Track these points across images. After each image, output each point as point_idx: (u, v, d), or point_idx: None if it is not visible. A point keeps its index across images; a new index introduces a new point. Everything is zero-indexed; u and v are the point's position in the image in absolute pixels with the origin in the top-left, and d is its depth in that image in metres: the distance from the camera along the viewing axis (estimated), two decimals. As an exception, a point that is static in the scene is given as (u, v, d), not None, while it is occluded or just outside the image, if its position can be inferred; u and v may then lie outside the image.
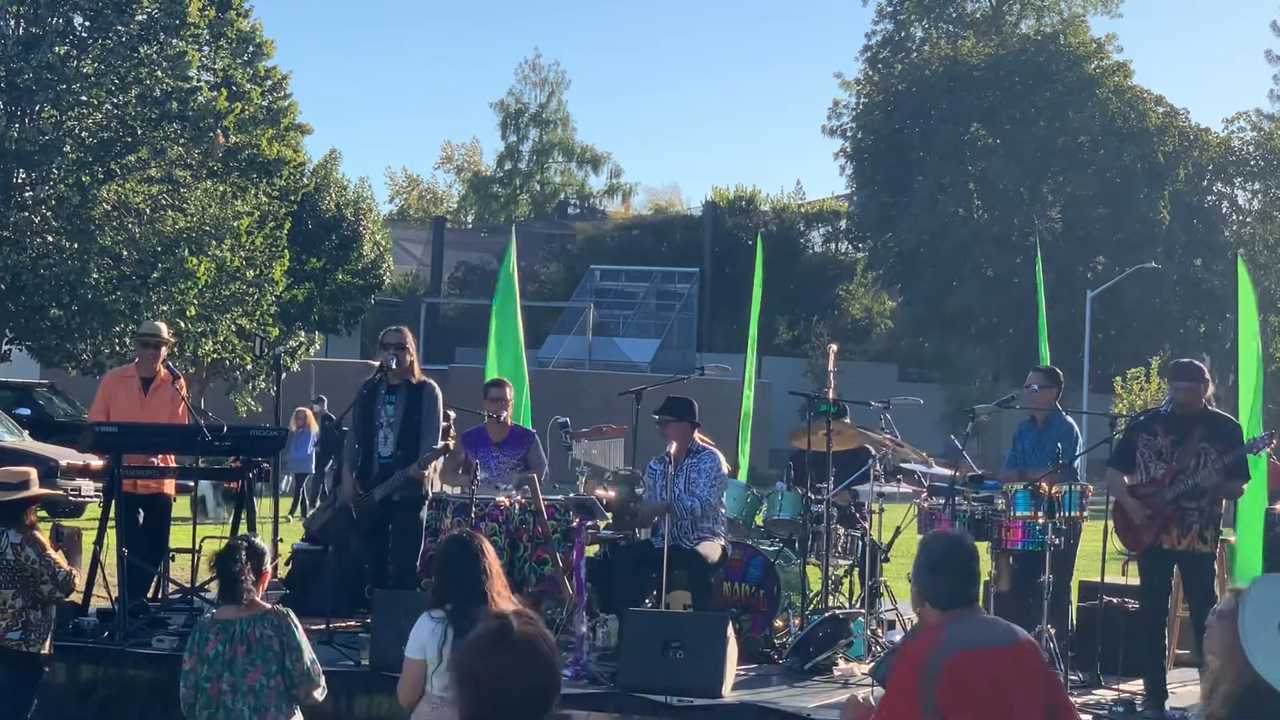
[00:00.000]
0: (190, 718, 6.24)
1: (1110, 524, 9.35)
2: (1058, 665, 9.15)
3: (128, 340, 23.43)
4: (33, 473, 7.75)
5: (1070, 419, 10.26)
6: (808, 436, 10.76)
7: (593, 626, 9.76)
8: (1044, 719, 4.91)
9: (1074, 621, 9.89)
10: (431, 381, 10.43)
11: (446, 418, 10.55)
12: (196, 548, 10.72)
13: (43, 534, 7.61)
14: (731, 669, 8.85)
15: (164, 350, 10.84)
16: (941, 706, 4.77)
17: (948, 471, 10.20)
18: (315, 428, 22.86)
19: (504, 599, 5.83)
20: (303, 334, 31.86)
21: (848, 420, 11.26)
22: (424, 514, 10.32)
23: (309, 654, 6.29)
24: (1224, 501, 9.28)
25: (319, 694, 6.32)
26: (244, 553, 6.31)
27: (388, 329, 10.72)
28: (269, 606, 6.35)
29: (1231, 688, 4.68)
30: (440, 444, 10.13)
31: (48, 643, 7.60)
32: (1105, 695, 9.23)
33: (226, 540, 6.72)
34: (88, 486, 18.49)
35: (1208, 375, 9.25)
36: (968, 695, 4.79)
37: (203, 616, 6.58)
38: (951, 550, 5.07)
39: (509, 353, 13.22)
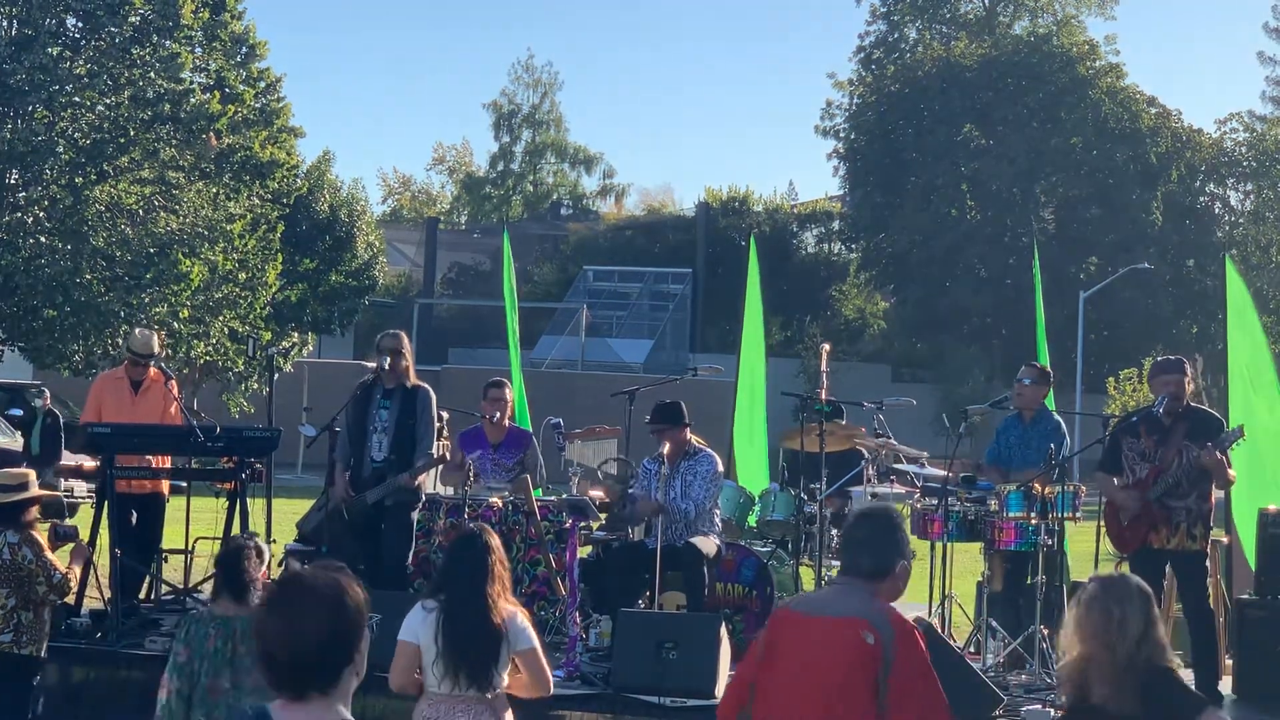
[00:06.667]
0: (172, 713, 6.07)
1: (1103, 525, 9.36)
2: (1050, 664, 9.17)
3: (120, 341, 23.43)
4: (32, 474, 7.77)
5: (1058, 418, 10.28)
6: (800, 437, 10.77)
7: (586, 627, 9.77)
8: (870, 696, 4.86)
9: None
10: (426, 386, 10.41)
11: (440, 418, 10.55)
12: (190, 548, 10.72)
13: (41, 535, 7.62)
14: (725, 670, 8.86)
15: (152, 366, 10.77)
16: (759, 657, 5.10)
17: (941, 472, 10.22)
18: None
19: (503, 600, 5.84)
20: (296, 335, 31.86)
21: (842, 421, 11.27)
22: (415, 515, 10.33)
23: None
24: (1213, 498, 9.28)
25: None
26: (254, 553, 6.24)
27: (384, 333, 10.71)
28: None
29: (1115, 669, 4.72)
30: (436, 455, 10.14)
31: (42, 646, 7.58)
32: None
33: (231, 540, 6.64)
34: (80, 487, 18.45)
35: (1187, 368, 9.26)
36: (772, 651, 5.06)
37: (197, 610, 6.45)
38: (850, 523, 5.52)
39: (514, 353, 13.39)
